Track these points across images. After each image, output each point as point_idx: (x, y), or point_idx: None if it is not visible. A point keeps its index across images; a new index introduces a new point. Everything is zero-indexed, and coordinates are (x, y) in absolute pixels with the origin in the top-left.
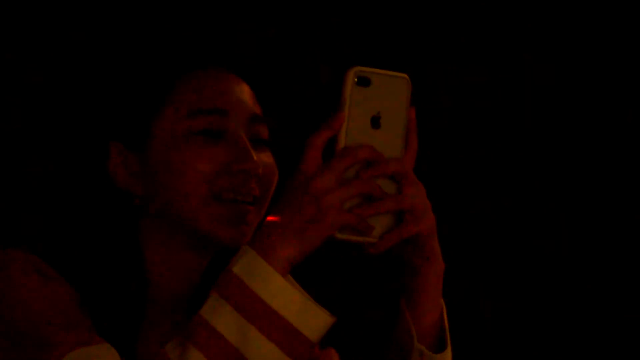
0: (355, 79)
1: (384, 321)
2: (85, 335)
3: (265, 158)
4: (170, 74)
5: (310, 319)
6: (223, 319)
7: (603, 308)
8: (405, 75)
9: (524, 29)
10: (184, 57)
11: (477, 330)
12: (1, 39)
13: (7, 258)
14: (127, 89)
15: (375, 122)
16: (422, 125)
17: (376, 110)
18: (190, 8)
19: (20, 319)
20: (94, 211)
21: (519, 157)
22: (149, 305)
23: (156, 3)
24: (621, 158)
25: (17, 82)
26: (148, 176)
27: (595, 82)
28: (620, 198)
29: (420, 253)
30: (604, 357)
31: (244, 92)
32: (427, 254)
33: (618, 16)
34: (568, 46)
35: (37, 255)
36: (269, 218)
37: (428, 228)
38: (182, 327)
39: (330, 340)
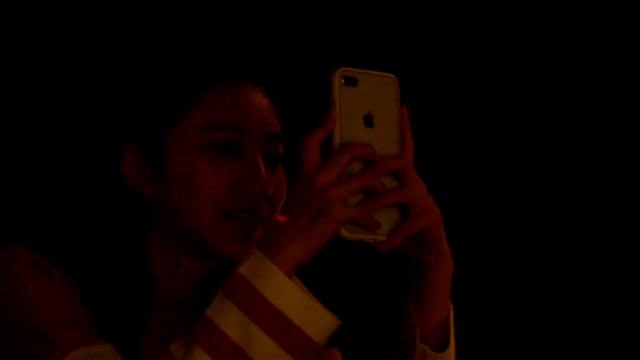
0: (342, 79)
1: (390, 322)
2: (88, 334)
3: (276, 176)
4: (193, 84)
5: (315, 319)
6: (227, 318)
7: (603, 308)
8: (392, 75)
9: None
10: (209, 68)
11: (478, 330)
12: (25, 39)
13: (10, 255)
14: (149, 91)
15: (368, 121)
16: (420, 124)
17: (367, 109)
18: (220, 19)
19: (23, 316)
20: (101, 210)
21: (518, 157)
22: (152, 306)
23: (191, 12)
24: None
25: (24, 81)
26: (159, 183)
27: (596, 82)
28: (620, 199)
29: (428, 250)
30: (604, 357)
31: (265, 108)
32: (435, 249)
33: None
34: (565, 46)
35: (40, 253)
36: (277, 218)
37: (434, 222)
38: (186, 328)
39: (334, 341)
